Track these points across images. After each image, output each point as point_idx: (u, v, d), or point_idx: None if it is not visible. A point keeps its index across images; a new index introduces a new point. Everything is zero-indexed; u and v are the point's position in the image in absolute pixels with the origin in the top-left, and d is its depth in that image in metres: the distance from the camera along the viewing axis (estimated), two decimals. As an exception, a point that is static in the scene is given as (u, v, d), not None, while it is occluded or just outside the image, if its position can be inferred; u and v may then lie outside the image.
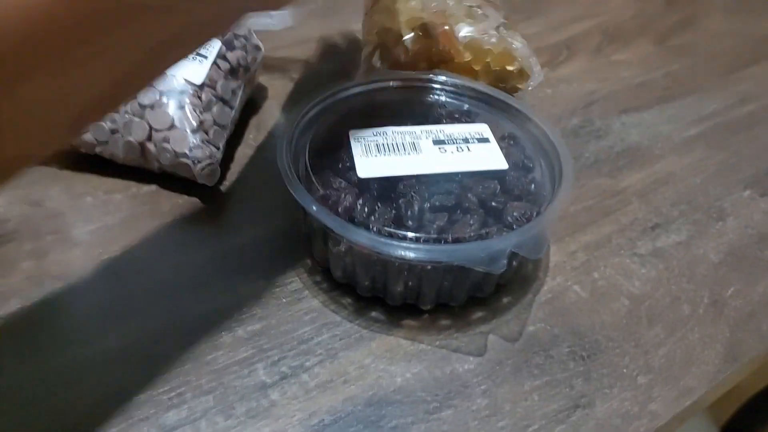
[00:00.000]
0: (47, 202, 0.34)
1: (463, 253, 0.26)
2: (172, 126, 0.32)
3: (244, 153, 0.38)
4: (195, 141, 0.32)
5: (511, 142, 0.33)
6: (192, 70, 0.34)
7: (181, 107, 0.32)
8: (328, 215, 0.27)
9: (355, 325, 0.28)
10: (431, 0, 0.40)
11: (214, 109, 0.34)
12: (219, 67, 0.35)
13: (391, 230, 0.26)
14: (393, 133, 0.32)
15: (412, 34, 0.38)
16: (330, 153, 0.31)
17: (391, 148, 0.31)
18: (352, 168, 0.29)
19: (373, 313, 0.29)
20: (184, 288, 0.30)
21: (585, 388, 0.26)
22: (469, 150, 0.31)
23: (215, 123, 0.34)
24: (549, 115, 0.43)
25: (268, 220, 0.33)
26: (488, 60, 0.39)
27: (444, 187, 0.29)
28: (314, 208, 0.27)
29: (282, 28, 0.41)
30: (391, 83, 0.36)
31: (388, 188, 0.29)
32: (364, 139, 0.31)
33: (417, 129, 0.32)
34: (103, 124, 0.33)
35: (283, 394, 0.26)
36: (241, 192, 0.35)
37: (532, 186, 0.30)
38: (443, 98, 0.36)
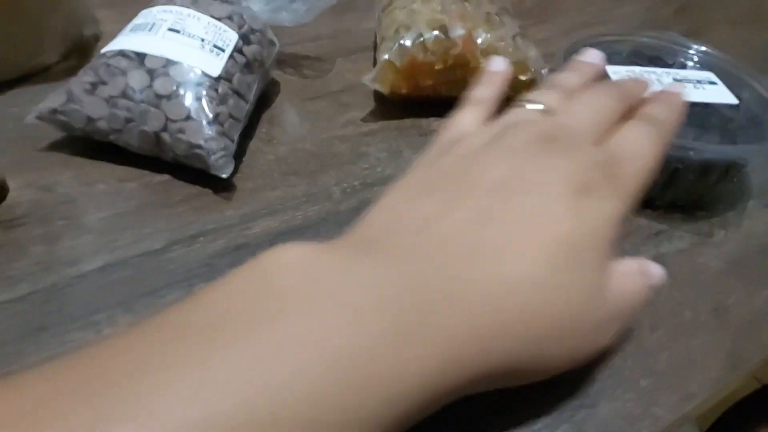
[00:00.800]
0: (58, 188, 0.34)
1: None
2: (188, 117, 0.32)
3: (256, 146, 0.38)
4: (210, 133, 0.32)
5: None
6: (209, 62, 0.34)
7: (198, 99, 0.33)
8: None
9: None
10: (450, 2, 0.40)
11: (230, 101, 0.34)
12: (235, 60, 0.35)
13: None
14: (641, 70, 0.40)
15: (433, 34, 0.38)
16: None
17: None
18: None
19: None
20: (194, 277, 0.30)
21: (589, 388, 0.27)
22: (704, 89, 0.38)
23: (231, 116, 0.34)
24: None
25: (280, 212, 0.34)
26: (501, 67, 0.40)
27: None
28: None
29: (296, 25, 0.42)
30: (637, 38, 0.43)
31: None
32: (618, 73, 0.39)
33: (659, 70, 0.40)
34: (118, 112, 0.33)
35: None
36: (253, 184, 0.36)
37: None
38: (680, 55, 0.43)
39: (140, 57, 0.34)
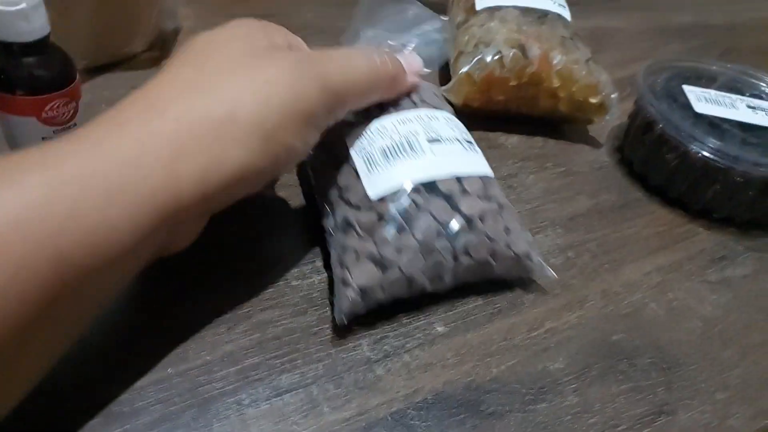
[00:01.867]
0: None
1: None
2: (506, 228, 0.31)
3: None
4: (529, 236, 0.33)
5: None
6: (477, 161, 0.33)
7: (501, 206, 0.32)
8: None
9: (451, 315, 0.30)
10: (526, 24, 0.42)
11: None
12: None
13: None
14: (716, 94, 0.42)
15: (512, 51, 0.40)
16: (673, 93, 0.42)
17: (713, 100, 0.42)
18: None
19: (471, 305, 0.30)
20: (290, 264, 0.31)
21: (667, 397, 0.28)
22: None
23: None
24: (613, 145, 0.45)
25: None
26: (574, 89, 0.42)
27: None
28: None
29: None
30: (712, 66, 0.46)
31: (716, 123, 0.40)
32: (694, 92, 0.42)
33: (734, 96, 0.43)
34: (437, 258, 0.29)
35: (387, 370, 0.27)
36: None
37: None
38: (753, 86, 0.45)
39: (429, 187, 0.29)
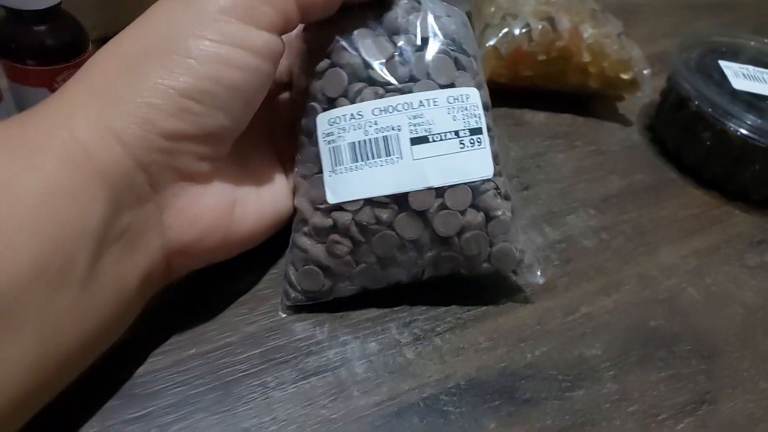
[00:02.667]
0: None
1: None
2: (492, 244, 0.27)
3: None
4: (521, 238, 0.29)
5: None
6: (477, 161, 0.26)
7: (493, 216, 0.26)
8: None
9: (482, 298, 0.28)
10: (556, -5, 0.40)
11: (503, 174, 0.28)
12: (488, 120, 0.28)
13: None
14: (754, 70, 0.40)
15: (541, 25, 0.38)
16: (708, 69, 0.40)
17: (751, 77, 0.40)
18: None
19: (502, 288, 0.29)
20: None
21: (709, 385, 0.27)
22: None
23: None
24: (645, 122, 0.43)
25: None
26: (605, 65, 0.40)
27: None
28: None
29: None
30: (748, 41, 0.44)
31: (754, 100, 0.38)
32: (731, 68, 0.40)
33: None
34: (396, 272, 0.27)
35: (417, 354, 0.26)
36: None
37: None
38: None
39: (398, 200, 0.25)
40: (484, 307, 0.28)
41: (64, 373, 0.20)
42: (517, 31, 0.39)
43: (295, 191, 0.27)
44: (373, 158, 0.24)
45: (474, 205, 0.25)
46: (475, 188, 0.25)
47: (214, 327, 0.25)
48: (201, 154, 0.22)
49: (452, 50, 0.26)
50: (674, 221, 0.35)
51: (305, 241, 0.26)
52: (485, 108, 0.26)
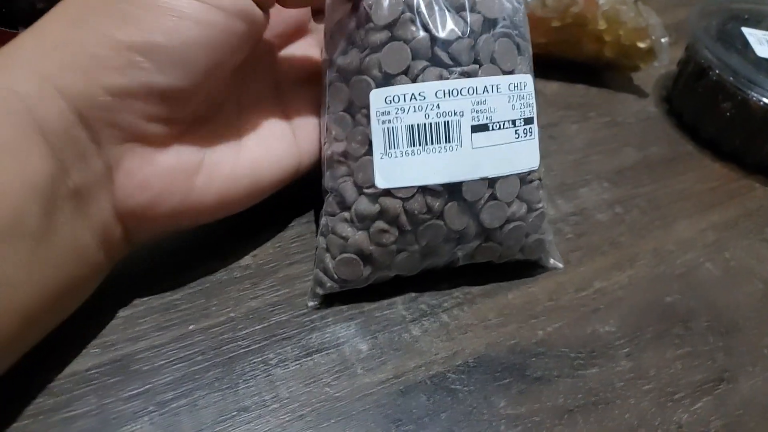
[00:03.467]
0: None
1: None
2: (529, 234, 0.27)
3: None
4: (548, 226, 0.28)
5: None
6: (528, 151, 0.26)
7: (533, 209, 0.26)
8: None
9: (491, 273, 0.27)
10: (573, -43, 0.38)
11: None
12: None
13: None
14: None
15: (555, -12, 0.37)
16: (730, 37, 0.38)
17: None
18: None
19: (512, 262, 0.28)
20: (318, 217, 0.29)
21: (727, 362, 0.26)
22: None
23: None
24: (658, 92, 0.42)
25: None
26: (621, 33, 0.38)
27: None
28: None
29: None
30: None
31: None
32: (754, 35, 0.38)
33: None
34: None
35: (424, 331, 0.25)
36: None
37: None
38: None
39: (451, 189, 0.23)
40: (494, 283, 0.27)
41: (26, 330, 0.19)
42: (528, -3, 0.37)
43: (325, 168, 0.25)
44: (432, 144, 0.23)
45: (519, 197, 0.25)
46: (522, 179, 0.25)
47: (215, 302, 0.25)
48: (150, 114, 0.21)
49: (516, 35, 0.24)
50: (691, 195, 0.34)
51: (345, 228, 0.24)
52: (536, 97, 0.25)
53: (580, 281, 0.28)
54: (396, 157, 0.23)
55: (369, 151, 0.23)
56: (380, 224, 0.24)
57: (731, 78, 0.35)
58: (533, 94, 0.25)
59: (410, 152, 0.23)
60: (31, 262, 0.18)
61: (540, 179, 0.26)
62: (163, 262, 0.26)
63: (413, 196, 0.23)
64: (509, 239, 0.25)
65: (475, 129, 0.23)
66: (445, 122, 0.23)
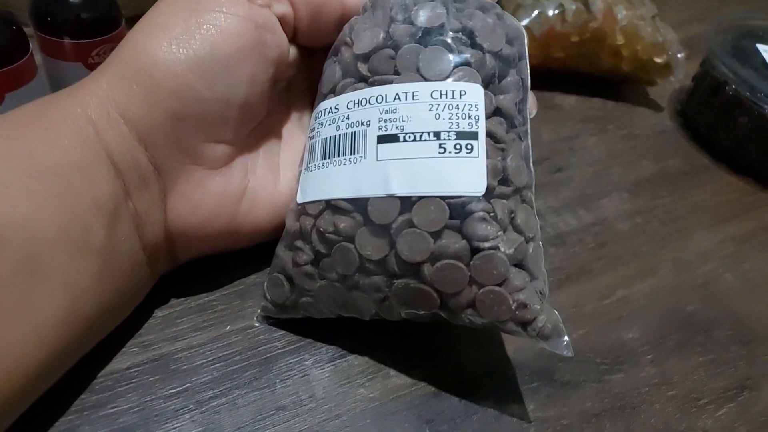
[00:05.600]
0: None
1: None
2: (471, 281, 0.21)
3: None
4: (522, 283, 0.21)
5: None
6: (460, 171, 0.20)
7: (472, 239, 0.20)
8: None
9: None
10: (591, -25, 0.39)
11: (516, 194, 0.22)
12: (494, 133, 0.21)
13: None
14: None
15: (575, 5, 0.38)
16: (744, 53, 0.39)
17: None
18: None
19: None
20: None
21: (750, 371, 0.26)
22: None
23: (524, 228, 0.22)
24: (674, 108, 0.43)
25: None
26: (638, 47, 0.39)
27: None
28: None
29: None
30: None
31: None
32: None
33: None
34: (358, 296, 0.22)
35: (453, 335, 0.25)
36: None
37: None
38: None
39: (358, 206, 0.21)
40: (520, 290, 0.28)
41: (87, 337, 0.21)
42: (550, 12, 0.38)
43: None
44: (338, 156, 0.22)
45: (454, 228, 0.20)
46: (454, 206, 0.20)
47: (250, 303, 0.25)
48: (205, 135, 0.22)
49: (459, 42, 0.21)
50: (708, 207, 0.34)
51: (279, 247, 0.24)
52: (503, 114, 0.21)
53: (603, 289, 0.28)
54: (312, 170, 0.23)
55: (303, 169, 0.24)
56: (298, 242, 0.23)
57: (748, 93, 0.36)
58: (479, 106, 0.21)
59: (321, 165, 0.22)
60: (97, 275, 0.20)
61: (492, 212, 0.20)
62: (198, 263, 0.26)
63: (321, 212, 0.22)
64: (441, 281, 0.20)
65: (382, 139, 0.21)
66: (351, 133, 0.21)
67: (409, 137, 0.20)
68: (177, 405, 0.22)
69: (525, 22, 0.38)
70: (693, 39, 0.51)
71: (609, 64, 0.40)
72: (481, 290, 0.20)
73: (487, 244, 0.20)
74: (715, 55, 0.38)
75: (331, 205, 0.21)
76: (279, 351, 0.24)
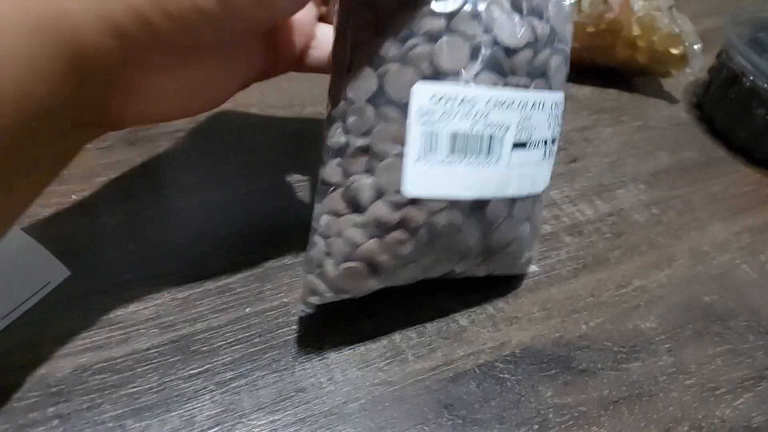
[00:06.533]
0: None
1: None
2: (514, 245, 0.25)
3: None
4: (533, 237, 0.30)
5: None
6: (547, 172, 0.24)
7: (535, 227, 0.26)
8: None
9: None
10: (609, -36, 0.39)
11: None
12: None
13: None
14: None
15: (593, -6, 0.37)
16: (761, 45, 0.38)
17: None
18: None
19: (553, 259, 0.29)
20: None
21: (767, 361, 0.26)
22: None
23: None
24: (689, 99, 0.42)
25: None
26: (655, 39, 0.39)
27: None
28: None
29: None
30: None
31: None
32: None
33: None
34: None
35: (471, 321, 0.25)
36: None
37: None
38: None
39: (476, 206, 0.22)
40: (536, 277, 0.28)
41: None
42: (567, 2, 0.38)
43: (330, 156, 0.22)
44: (470, 155, 0.21)
45: (528, 217, 0.24)
46: (534, 200, 0.23)
47: (269, 286, 0.25)
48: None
49: (567, 52, 0.23)
50: (725, 198, 0.34)
51: (355, 234, 0.21)
52: None
53: (620, 279, 0.28)
54: (433, 164, 0.20)
55: (401, 153, 0.20)
56: (398, 234, 0.21)
57: (765, 84, 0.36)
58: (561, 105, 0.23)
59: (448, 161, 0.20)
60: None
61: (544, 200, 0.25)
62: (217, 245, 0.27)
63: (443, 209, 0.21)
64: (510, 257, 0.25)
65: (516, 145, 0.21)
66: (490, 134, 0.21)
67: (533, 145, 0.22)
68: (197, 386, 0.22)
69: (542, 11, 0.38)
70: (709, 32, 0.50)
71: (625, 55, 0.40)
72: (524, 257, 0.26)
73: (539, 224, 0.25)
74: (732, 46, 0.38)
75: (454, 203, 0.21)
76: (298, 334, 0.24)
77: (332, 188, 0.22)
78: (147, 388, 0.22)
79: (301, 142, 0.33)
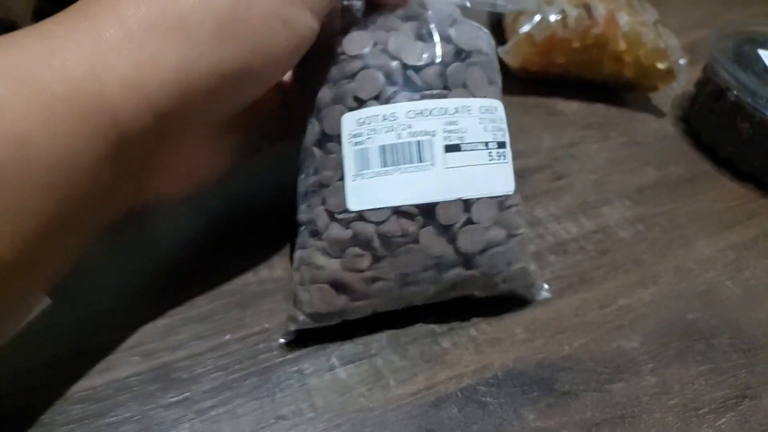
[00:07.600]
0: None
1: None
2: (510, 263, 0.26)
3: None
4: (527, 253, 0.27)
5: None
6: (500, 174, 0.25)
7: (511, 235, 0.26)
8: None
9: (517, 289, 0.28)
10: (593, -20, 0.39)
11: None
12: None
13: None
14: None
15: (576, 11, 0.38)
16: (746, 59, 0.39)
17: None
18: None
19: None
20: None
21: (750, 380, 0.26)
22: None
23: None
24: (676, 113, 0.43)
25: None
26: (640, 53, 0.39)
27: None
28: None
29: None
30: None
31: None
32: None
33: None
34: (416, 289, 0.25)
35: (453, 344, 0.26)
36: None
37: None
38: None
39: (426, 211, 0.23)
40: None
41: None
42: (552, 18, 0.38)
43: (299, 203, 0.25)
44: (404, 163, 0.23)
45: (497, 222, 0.24)
46: (499, 204, 0.24)
47: (249, 313, 0.25)
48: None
49: (487, 65, 0.25)
50: (710, 214, 0.34)
51: (318, 257, 0.24)
52: None
53: (604, 298, 0.28)
54: (368, 178, 0.23)
55: (341, 177, 0.23)
56: (354, 249, 0.23)
57: (749, 99, 0.36)
58: (504, 120, 0.25)
59: (382, 173, 0.23)
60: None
61: (518, 205, 0.25)
62: (198, 272, 0.27)
63: (387, 218, 0.23)
64: (490, 267, 0.24)
65: (449, 149, 0.23)
66: (417, 141, 0.23)
67: (468, 147, 0.24)
68: (177, 414, 0.22)
69: (526, 27, 0.38)
70: (695, 45, 0.51)
71: (611, 70, 0.40)
72: (513, 268, 0.25)
73: (519, 231, 0.25)
74: (716, 61, 0.38)
75: (399, 211, 0.23)
76: (278, 360, 0.24)
77: (302, 227, 0.25)
78: (127, 416, 0.22)
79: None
